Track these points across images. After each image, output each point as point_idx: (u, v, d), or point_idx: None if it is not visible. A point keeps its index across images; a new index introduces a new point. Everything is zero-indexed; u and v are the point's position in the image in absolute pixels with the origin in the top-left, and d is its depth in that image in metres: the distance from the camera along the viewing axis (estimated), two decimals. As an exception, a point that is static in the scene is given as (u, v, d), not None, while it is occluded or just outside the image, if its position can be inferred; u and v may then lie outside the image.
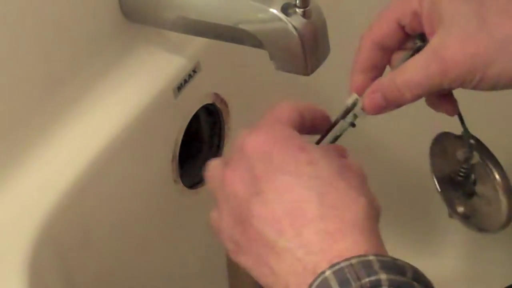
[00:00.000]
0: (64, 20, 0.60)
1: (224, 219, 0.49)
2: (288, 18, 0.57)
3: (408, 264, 0.43)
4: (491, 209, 0.58)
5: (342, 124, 0.55)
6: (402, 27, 0.53)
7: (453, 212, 0.58)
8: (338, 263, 0.42)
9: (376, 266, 0.41)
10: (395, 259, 0.43)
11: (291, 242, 0.45)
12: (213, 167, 0.51)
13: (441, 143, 0.59)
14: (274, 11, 0.58)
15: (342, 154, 0.53)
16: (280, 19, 0.57)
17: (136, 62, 0.67)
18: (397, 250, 1.08)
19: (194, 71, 0.70)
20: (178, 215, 0.75)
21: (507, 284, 0.80)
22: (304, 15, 0.57)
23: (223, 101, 0.76)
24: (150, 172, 0.69)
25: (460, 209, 0.58)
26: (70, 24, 0.61)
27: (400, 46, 0.54)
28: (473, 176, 0.58)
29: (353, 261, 0.42)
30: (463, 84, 0.49)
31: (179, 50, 0.69)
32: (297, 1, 0.57)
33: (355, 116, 0.54)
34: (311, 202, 0.46)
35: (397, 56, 0.55)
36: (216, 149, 0.79)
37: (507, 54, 0.47)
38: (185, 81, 0.69)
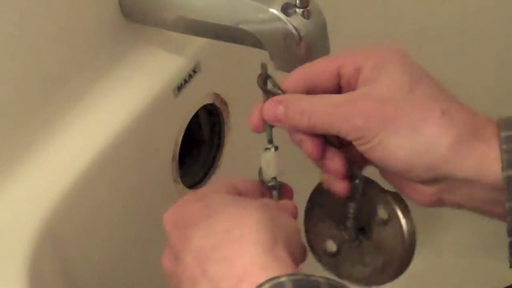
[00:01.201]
0: (64, 20, 0.60)
1: None
2: (288, 18, 0.57)
3: (323, 278, 0.42)
4: (369, 268, 0.55)
5: (274, 194, 0.54)
6: (338, 75, 0.51)
7: (309, 244, 0.56)
8: None
9: (289, 286, 0.41)
10: (308, 276, 0.42)
11: (202, 284, 0.44)
12: None
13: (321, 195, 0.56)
14: (274, 11, 0.58)
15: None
16: (280, 19, 0.57)
17: (136, 62, 0.67)
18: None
19: (194, 71, 0.70)
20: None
21: (507, 284, 0.80)
22: (304, 15, 0.57)
23: (223, 101, 0.76)
24: (150, 172, 0.69)
25: (323, 245, 0.55)
26: (70, 24, 0.61)
27: (326, 91, 0.52)
28: (362, 222, 0.55)
29: (266, 286, 0.41)
30: (357, 140, 0.48)
31: (179, 50, 0.69)
32: (297, 1, 0.57)
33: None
34: (204, 237, 0.46)
35: None
36: (216, 149, 0.79)
37: (412, 130, 0.46)
38: (185, 81, 0.69)
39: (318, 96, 0.50)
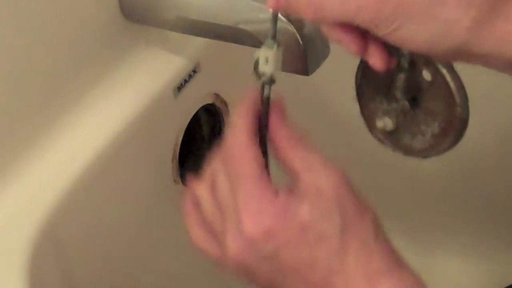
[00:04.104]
0: (64, 20, 0.60)
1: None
2: (288, 18, 0.57)
3: None
4: (430, 134, 0.54)
5: (265, 89, 0.51)
6: None
7: (368, 125, 0.55)
8: None
9: None
10: None
11: None
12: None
13: None
14: (274, 11, 0.58)
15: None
16: (280, 19, 0.57)
17: (136, 62, 0.67)
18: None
19: (194, 71, 0.70)
20: (178, 215, 0.75)
21: (507, 284, 0.80)
22: (304, 15, 0.57)
23: (223, 101, 0.76)
24: (150, 172, 0.69)
25: (381, 123, 0.55)
26: (70, 24, 0.61)
27: None
28: (412, 92, 0.54)
29: None
30: (373, 29, 0.46)
31: (179, 50, 0.69)
32: (297, 1, 0.57)
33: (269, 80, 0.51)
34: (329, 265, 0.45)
35: None
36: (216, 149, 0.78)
37: (428, 15, 0.45)
38: (185, 81, 0.69)
39: None
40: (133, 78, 0.66)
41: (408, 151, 0.55)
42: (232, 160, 0.48)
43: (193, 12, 0.63)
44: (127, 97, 0.65)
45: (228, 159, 0.48)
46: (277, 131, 0.49)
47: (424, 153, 0.55)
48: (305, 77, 0.60)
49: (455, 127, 0.53)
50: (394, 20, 0.46)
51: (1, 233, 0.55)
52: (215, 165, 0.49)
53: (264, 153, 0.51)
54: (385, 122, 0.55)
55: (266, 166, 0.49)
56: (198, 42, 0.69)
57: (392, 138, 0.55)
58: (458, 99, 0.52)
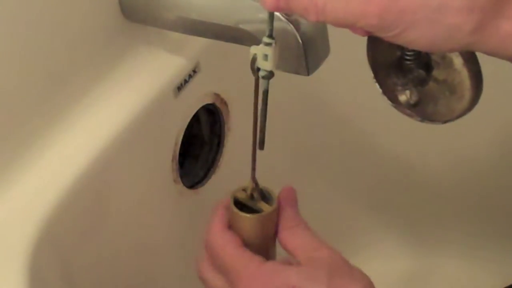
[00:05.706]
0: (64, 20, 0.60)
1: None
2: (288, 18, 0.57)
3: None
4: (450, 96, 0.55)
5: (263, 83, 0.52)
6: None
7: (393, 101, 0.56)
8: None
9: None
10: None
11: None
12: None
13: None
14: (274, 11, 0.58)
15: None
16: (280, 19, 0.57)
17: (136, 62, 0.67)
18: (396, 250, 1.08)
19: (194, 71, 0.70)
20: (178, 215, 0.75)
21: (507, 284, 0.80)
22: (304, 15, 0.57)
23: (223, 101, 0.76)
24: (150, 172, 0.69)
25: (403, 97, 0.56)
26: (70, 24, 0.61)
27: None
28: (424, 59, 0.55)
29: None
30: (376, 32, 0.47)
31: (179, 50, 0.69)
32: (297, 1, 0.57)
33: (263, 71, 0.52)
34: None
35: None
36: (216, 149, 0.79)
37: (432, 21, 0.45)
38: (185, 81, 0.69)
39: None
40: (133, 78, 0.66)
41: (437, 117, 0.56)
42: (216, 251, 0.54)
43: (193, 12, 0.63)
44: (127, 97, 0.65)
45: (213, 251, 0.54)
46: (284, 212, 0.54)
47: (452, 115, 0.56)
48: (305, 77, 0.60)
49: (472, 81, 0.54)
50: (397, 26, 0.46)
51: (1, 233, 0.55)
52: (206, 266, 0.56)
53: (255, 144, 0.56)
54: (406, 95, 0.56)
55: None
56: (198, 42, 0.69)
57: (418, 109, 0.56)
58: (466, 56, 0.54)
